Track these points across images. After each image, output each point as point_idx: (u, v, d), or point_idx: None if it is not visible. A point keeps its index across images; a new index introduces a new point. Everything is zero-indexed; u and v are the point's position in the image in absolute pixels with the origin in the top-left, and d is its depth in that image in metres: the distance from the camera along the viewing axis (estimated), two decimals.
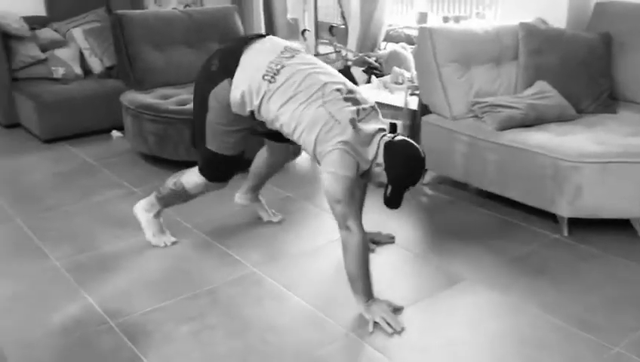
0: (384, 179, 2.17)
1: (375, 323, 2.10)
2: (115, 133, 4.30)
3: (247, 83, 2.25)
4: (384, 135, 2.19)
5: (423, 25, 3.77)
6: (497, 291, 2.33)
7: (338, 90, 2.20)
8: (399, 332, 2.08)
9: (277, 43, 2.39)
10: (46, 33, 4.66)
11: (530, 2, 3.56)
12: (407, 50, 4.19)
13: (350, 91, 2.23)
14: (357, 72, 4.38)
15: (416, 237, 2.85)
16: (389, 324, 2.08)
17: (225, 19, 4.28)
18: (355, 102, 2.20)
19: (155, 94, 3.75)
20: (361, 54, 4.48)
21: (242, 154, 2.52)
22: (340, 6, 5.52)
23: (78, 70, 4.58)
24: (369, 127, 2.17)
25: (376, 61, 4.37)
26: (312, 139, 2.16)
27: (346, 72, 4.36)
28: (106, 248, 2.73)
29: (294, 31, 5.75)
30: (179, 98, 3.67)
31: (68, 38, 4.72)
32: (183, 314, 2.22)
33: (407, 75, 3.72)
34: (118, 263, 2.59)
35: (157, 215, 2.74)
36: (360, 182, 2.36)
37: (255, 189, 2.95)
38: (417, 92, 3.49)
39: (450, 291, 2.34)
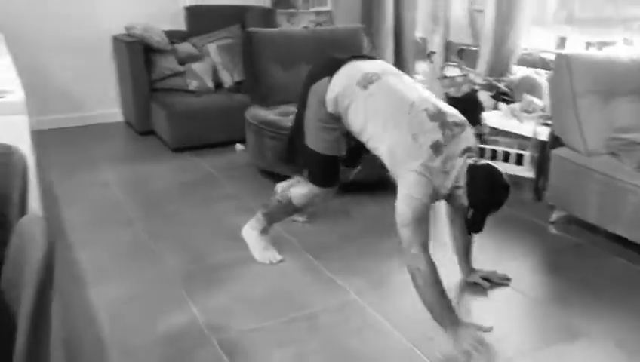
0: (465, 201, 2.10)
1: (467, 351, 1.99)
2: (238, 147, 4.43)
3: (342, 86, 2.32)
4: (469, 157, 2.12)
5: (561, 51, 3.50)
6: (625, 353, 2.06)
7: (425, 109, 2.17)
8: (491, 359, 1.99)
9: (384, 64, 2.44)
10: (184, 47, 4.93)
11: None
12: (541, 76, 3.92)
13: (439, 111, 2.18)
14: (484, 96, 4.18)
15: (536, 281, 2.62)
16: (479, 351, 1.98)
17: (351, 39, 4.27)
18: (443, 123, 2.14)
19: (277, 111, 3.81)
20: (490, 78, 4.27)
21: (340, 159, 2.51)
22: (472, 26, 5.33)
23: (209, 83, 4.79)
24: (454, 149, 2.11)
25: (506, 86, 4.14)
26: (393, 159, 2.17)
27: (472, 96, 4.18)
28: (216, 259, 2.78)
29: (422, 51, 5.63)
30: None
31: (203, 53, 4.96)
32: (282, 337, 2.19)
33: (538, 103, 3.47)
34: (226, 276, 2.62)
35: (263, 231, 2.77)
36: (458, 211, 2.32)
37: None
38: (549, 122, 3.24)
39: (569, 346, 2.11)
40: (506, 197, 2.11)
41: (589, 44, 4.52)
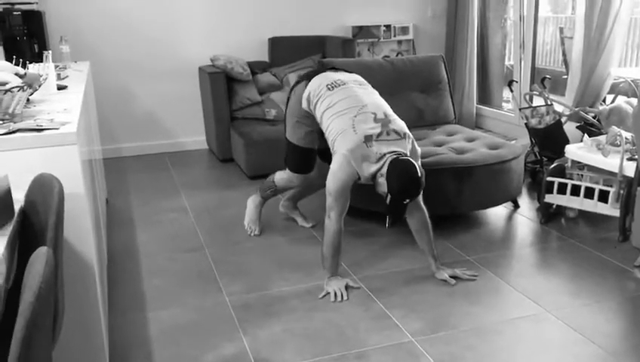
0: (385, 189, 2.55)
1: (327, 293, 2.67)
2: None
3: (314, 87, 2.86)
4: (397, 155, 2.56)
5: None
6: None
7: (374, 113, 2.67)
8: (342, 301, 2.61)
9: (355, 76, 2.95)
10: (265, 77, 5.05)
11: None
12: (633, 105, 3.63)
13: (386, 118, 2.66)
14: (570, 128, 3.94)
15: (613, 331, 2.38)
16: (337, 295, 2.64)
17: (429, 68, 4.18)
18: (384, 126, 2.63)
19: None
20: (577, 109, 4.02)
21: (313, 151, 3.06)
22: (564, 53, 5.08)
23: None
24: (385, 148, 2.57)
25: (594, 117, 3.87)
26: (334, 140, 2.68)
27: (557, 127, 3.94)
28: (273, 290, 2.77)
29: (508, 78, 5.43)
30: None
31: (284, 83, 5.05)
32: None
33: (626, 135, 3.20)
34: (281, 308, 2.60)
35: (259, 205, 3.44)
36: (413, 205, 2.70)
37: (295, 201, 3.56)
38: (636, 157, 2.98)
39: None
40: (416, 187, 2.54)
41: None
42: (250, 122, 4.75)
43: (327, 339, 2.35)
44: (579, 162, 3.40)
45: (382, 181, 2.56)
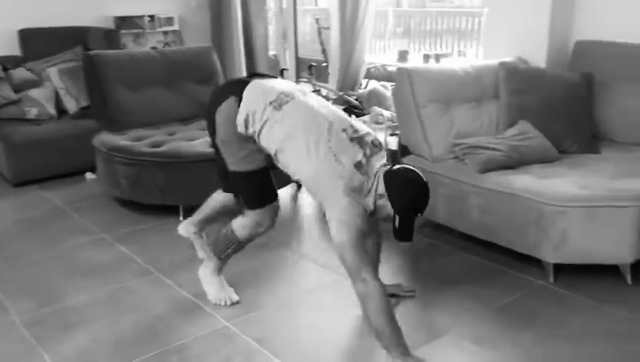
0: (389, 209, 2.08)
1: None
2: (88, 176, 4.17)
3: (254, 105, 2.19)
4: (385, 167, 2.14)
5: (401, 65, 3.71)
6: (482, 346, 2.21)
7: (344, 130, 2.13)
8: None
9: (290, 82, 2.50)
10: (20, 73, 4.55)
11: (510, 40, 3.52)
12: (387, 89, 4.13)
13: (355, 131, 2.16)
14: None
15: (395, 281, 2.72)
16: None
17: (202, 59, 4.22)
18: (361, 142, 2.13)
19: (128, 136, 3.64)
20: (341, 93, 4.42)
21: (266, 171, 2.33)
22: (321, 43, 5.51)
23: (52, 110, 4.47)
24: (373, 167, 2.11)
25: (356, 100, 4.31)
26: (317, 181, 2.10)
27: None
28: (69, 301, 2.57)
29: (274, 67, 5.71)
30: (153, 140, 3.56)
31: (43, 78, 4.61)
32: None
33: (386, 114, 3.64)
34: (81, 318, 2.43)
35: (216, 270, 2.54)
36: (372, 225, 2.28)
37: (203, 224, 2.75)
38: (397, 132, 3.41)
39: (431, 346, 2.21)
40: (427, 193, 2.10)
41: (427, 57, 4.85)
42: (9, 123, 4.25)
43: (142, 340, 2.28)
44: None
45: (383, 203, 2.09)
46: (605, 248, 2.53)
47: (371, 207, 2.11)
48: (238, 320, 2.40)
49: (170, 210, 3.42)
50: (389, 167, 2.14)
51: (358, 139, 2.13)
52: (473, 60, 4.62)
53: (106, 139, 3.60)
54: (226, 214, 2.61)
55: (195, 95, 4.05)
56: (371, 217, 2.17)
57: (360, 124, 2.24)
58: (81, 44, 4.88)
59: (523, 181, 2.68)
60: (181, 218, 3.39)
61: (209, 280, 2.55)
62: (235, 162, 2.29)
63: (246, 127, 2.21)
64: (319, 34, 5.60)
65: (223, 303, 2.51)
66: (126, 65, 3.89)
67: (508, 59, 3.34)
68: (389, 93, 4.02)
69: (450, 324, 2.35)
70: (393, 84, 4.04)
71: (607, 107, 3.18)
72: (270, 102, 2.17)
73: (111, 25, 5.15)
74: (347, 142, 2.10)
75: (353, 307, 2.26)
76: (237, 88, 2.26)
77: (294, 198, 3.84)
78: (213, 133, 2.32)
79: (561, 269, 2.64)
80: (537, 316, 2.40)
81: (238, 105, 2.21)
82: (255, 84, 2.26)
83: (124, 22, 5.18)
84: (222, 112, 2.25)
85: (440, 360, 2.12)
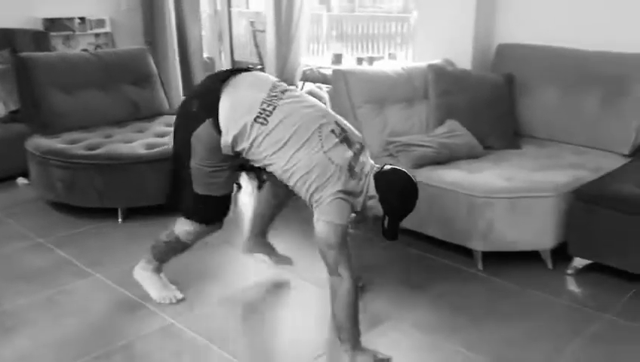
0: (379, 211, 2.14)
1: None
2: (20, 181, 4.06)
3: (239, 125, 2.13)
4: (375, 167, 2.18)
5: (337, 67, 3.83)
6: (421, 330, 2.35)
7: (332, 131, 2.13)
8: None
9: (263, 78, 2.29)
10: None
11: (438, 43, 3.71)
12: (322, 90, 4.25)
13: (342, 131, 2.16)
14: None
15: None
16: None
17: (136, 61, 4.19)
18: (348, 142, 2.14)
19: (62, 139, 3.58)
20: None
21: (230, 196, 2.38)
22: (257, 46, 5.57)
23: None
24: (362, 167, 2.14)
25: None
26: (310, 185, 2.08)
27: None
28: (6, 306, 2.53)
29: (210, 70, 5.72)
30: (88, 142, 3.51)
31: None
32: None
33: None
34: (20, 322, 2.40)
35: (155, 270, 2.55)
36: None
37: (263, 234, 2.80)
38: None
39: (374, 331, 2.32)
40: (417, 195, 2.16)
41: (360, 60, 5.02)
42: None
43: (86, 341, 2.28)
44: None
45: (374, 203, 2.14)
46: (527, 236, 2.74)
47: (359, 208, 2.16)
48: (184, 318, 2.43)
49: (106, 213, 3.39)
50: (378, 167, 2.18)
51: (345, 139, 2.14)
52: (404, 63, 4.81)
53: (40, 142, 3.53)
54: (280, 206, 2.69)
55: (131, 97, 4.03)
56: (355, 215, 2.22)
57: (340, 119, 2.25)
58: (8, 47, 4.73)
59: (453, 175, 2.85)
60: (120, 220, 3.38)
61: (150, 281, 2.55)
62: (207, 187, 2.29)
63: (233, 146, 2.17)
64: (254, 37, 5.66)
65: (167, 301, 2.53)
66: (59, 67, 3.82)
67: (436, 61, 3.52)
68: (324, 95, 4.14)
69: (391, 311, 2.48)
70: (329, 86, 4.17)
71: (527, 106, 3.42)
72: (255, 119, 2.12)
73: (39, 27, 5.01)
74: (338, 144, 2.11)
75: (294, 300, 2.35)
76: (210, 104, 2.16)
77: (234, 200, 3.89)
78: (183, 151, 2.26)
79: (488, 257, 2.82)
80: (470, 301, 2.56)
81: (216, 125, 2.15)
82: (231, 99, 2.16)
83: (53, 24, 5.05)
84: (200, 138, 2.19)
85: (384, 344, 2.24)
